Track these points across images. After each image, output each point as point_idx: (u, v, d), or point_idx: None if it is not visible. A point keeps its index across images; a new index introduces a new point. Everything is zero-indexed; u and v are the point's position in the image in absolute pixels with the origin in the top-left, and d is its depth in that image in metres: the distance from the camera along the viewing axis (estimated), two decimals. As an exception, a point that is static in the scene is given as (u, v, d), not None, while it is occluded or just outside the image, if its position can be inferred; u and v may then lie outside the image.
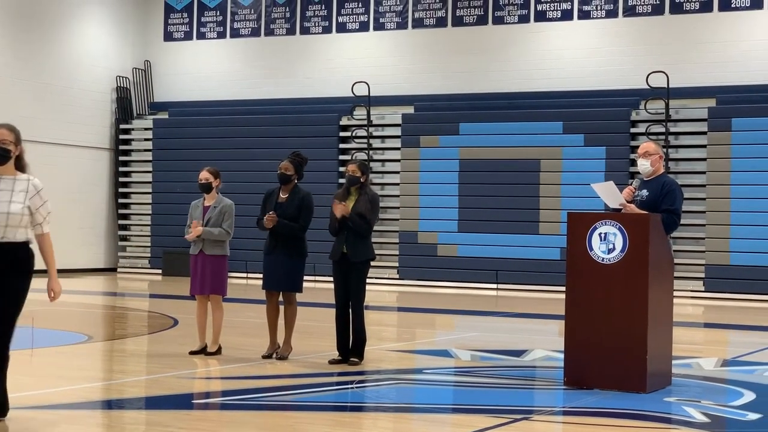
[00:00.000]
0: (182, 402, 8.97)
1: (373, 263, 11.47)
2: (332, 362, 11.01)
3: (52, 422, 7.85)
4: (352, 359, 10.98)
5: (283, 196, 11.38)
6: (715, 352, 13.80)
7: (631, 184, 10.15)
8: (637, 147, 11.53)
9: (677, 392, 9.56)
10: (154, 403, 8.98)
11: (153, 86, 30.26)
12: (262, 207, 11.43)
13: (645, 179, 10.10)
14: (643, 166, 10.09)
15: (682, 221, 10.31)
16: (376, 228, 13.54)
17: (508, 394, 9.85)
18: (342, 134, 27.12)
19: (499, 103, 25.81)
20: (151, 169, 29.26)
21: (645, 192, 9.94)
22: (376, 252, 14.41)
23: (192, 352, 11.48)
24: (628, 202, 9.95)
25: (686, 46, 24.56)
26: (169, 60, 30.13)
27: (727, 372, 11.50)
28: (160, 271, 27.97)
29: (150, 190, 29.20)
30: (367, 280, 11.30)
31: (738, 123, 23.41)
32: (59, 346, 12.58)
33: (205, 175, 11.60)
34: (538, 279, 24.22)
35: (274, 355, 11.34)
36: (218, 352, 11.50)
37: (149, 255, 29.00)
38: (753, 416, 8.56)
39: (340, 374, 10.46)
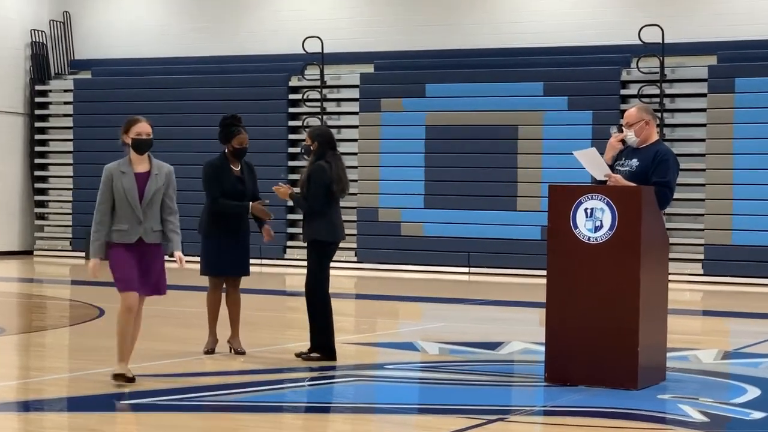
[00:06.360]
0: (110, 403, 8.97)
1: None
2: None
3: (-40, 427, 7.84)
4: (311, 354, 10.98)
5: (236, 169, 11.35)
6: (715, 343, 13.94)
7: (613, 133, 10.19)
8: (628, 111, 11.58)
9: (672, 389, 9.66)
10: (78, 404, 8.98)
11: (73, 41, 30.06)
12: (216, 184, 11.29)
13: (635, 147, 10.15)
14: (629, 137, 10.14)
15: (679, 196, 10.43)
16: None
17: (482, 392, 9.92)
18: (292, 97, 27.06)
19: (471, 61, 25.83)
20: (72, 136, 29.07)
21: (635, 162, 9.98)
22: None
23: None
24: (616, 153, 10.03)
25: (684, -4, 24.69)
26: (92, 11, 29.93)
27: (729, 365, 11.62)
28: (83, 254, 27.86)
29: (71, 161, 29.03)
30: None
31: (742, 84, 23.55)
32: (-32, 340, 12.56)
33: (148, 129, 9.76)
34: (515, 261, 24.33)
35: (233, 351, 11.29)
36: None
37: (71, 236, 28.86)
38: (757, 415, 8.66)
39: (290, 371, 10.49)
